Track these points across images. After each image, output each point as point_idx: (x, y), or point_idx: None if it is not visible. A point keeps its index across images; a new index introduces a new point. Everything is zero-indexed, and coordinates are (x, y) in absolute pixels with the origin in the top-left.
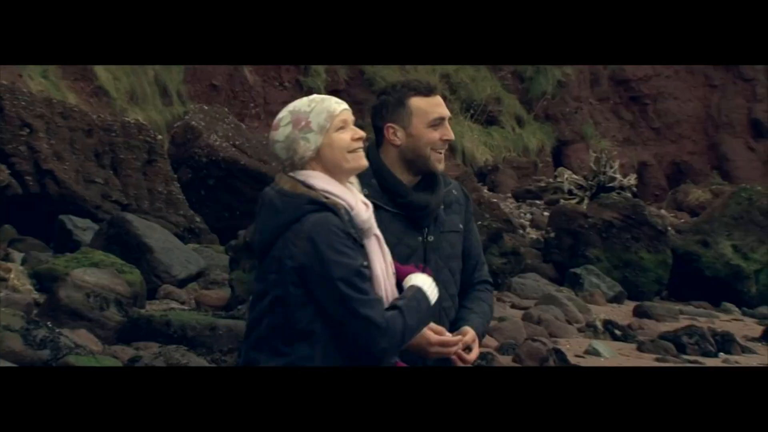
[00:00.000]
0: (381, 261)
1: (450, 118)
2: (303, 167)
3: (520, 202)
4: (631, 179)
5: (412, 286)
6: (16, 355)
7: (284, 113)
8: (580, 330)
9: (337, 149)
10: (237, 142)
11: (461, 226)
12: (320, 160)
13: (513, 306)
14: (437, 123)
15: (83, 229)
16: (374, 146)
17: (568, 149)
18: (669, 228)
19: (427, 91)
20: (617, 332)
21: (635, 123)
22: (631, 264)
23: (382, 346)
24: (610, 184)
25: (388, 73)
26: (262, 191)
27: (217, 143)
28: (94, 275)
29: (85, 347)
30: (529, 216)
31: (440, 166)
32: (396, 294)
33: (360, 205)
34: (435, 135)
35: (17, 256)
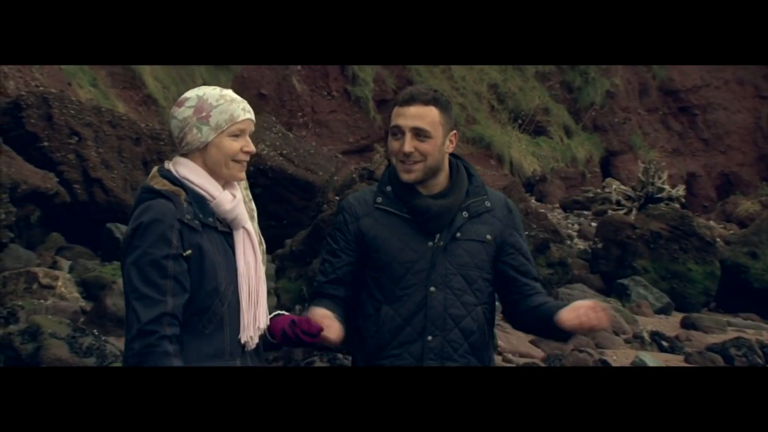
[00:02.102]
0: (249, 255)
1: (419, 129)
2: (187, 154)
3: (567, 213)
4: (680, 190)
5: None
6: (62, 362)
7: (192, 95)
8: (627, 341)
9: (222, 154)
10: (284, 151)
11: (489, 237)
12: (204, 155)
13: None
14: (395, 133)
15: None
16: None
17: (616, 160)
18: (717, 239)
19: (401, 101)
20: (664, 344)
21: (684, 134)
22: (678, 275)
23: (133, 346)
24: (659, 195)
25: (436, 83)
26: None
27: (265, 152)
28: None
29: None
30: (576, 226)
31: (404, 177)
32: (262, 294)
33: (224, 196)
34: (395, 145)
35: (65, 263)
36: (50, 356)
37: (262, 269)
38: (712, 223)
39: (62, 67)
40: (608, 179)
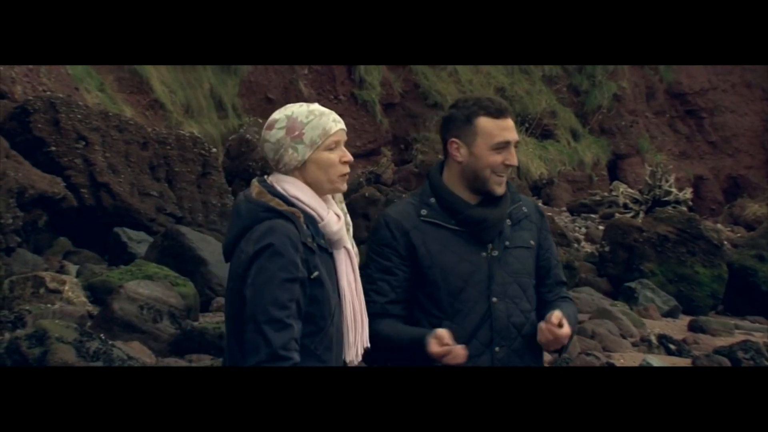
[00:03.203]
0: (350, 274)
1: (517, 143)
2: (286, 173)
3: (574, 216)
4: (687, 193)
5: None
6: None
7: (281, 115)
8: (634, 344)
9: (323, 169)
10: None
11: (532, 242)
12: (303, 172)
13: None
14: (501, 146)
15: (138, 241)
16: (436, 165)
17: (623, 163)
18: (725, 242)
19: (497, 113)
20: (672, 347)
21: (691, 137)
22: (686, 278)
23: (256, 360)
24: (666, 198)
25: (443, 87)
26: (237, 194)
27: None
28: (147, 288)
29: (138, 359)
30: (583, 230)
31: (499, 190)
32: (363, 312)
33: (331, 216)
34: (498, 158)
35: (72, 268)
36: (57, 360)
37: (360, 287)
38: (719, 226)
39: (69, 71)
40: (615, 182)
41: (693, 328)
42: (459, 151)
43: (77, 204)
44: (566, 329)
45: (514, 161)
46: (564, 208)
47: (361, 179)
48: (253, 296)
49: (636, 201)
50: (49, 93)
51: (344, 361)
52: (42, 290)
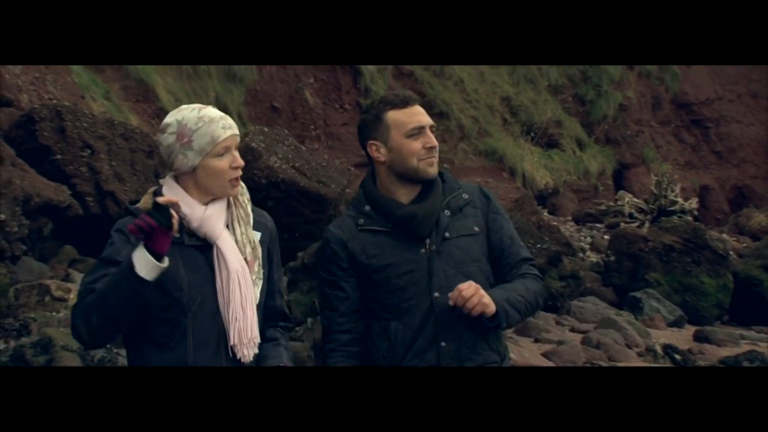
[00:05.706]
0: (223, 271)
1: (432, 126)
2: (180, 175)
3: (580, 226)
4: (693, 203)
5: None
6: None
7: (172, 120)
8: (639, 354)
9: (212, 176)
10: (297, 164)
11: (476, 228)
12: (195, 176)
13: (572, 330)
14: (416, 132)
15: None
16: (369, 172)
17: (629, 172)
18: (730, 252)
19: (402, 103)
20: (677, 357)
21: (697, 146)
22: (691, 288)
23: (74, 321)
24: (671, 208)
25: (448, 96)
26: None
27: (277, 165)
28: None
29: None
30: (589, 239)
31: (432, 170)
32: (244, 310)
33: (193, 213)
34: (416, 145)
35: (77, 276)
36: None
37: (237, 283)
38: (725, 236)
39: (75, 80)
40: (621, 192)
41: (698, 338)
42: (380, 152)
43: (83, 212)
44: (467, 287)
45: (434, 142)
46: (569, 218)
47: None
48: None
49: (641, 210)
50: (54, 101)
51: (235, 358)
52: (47, 298)
